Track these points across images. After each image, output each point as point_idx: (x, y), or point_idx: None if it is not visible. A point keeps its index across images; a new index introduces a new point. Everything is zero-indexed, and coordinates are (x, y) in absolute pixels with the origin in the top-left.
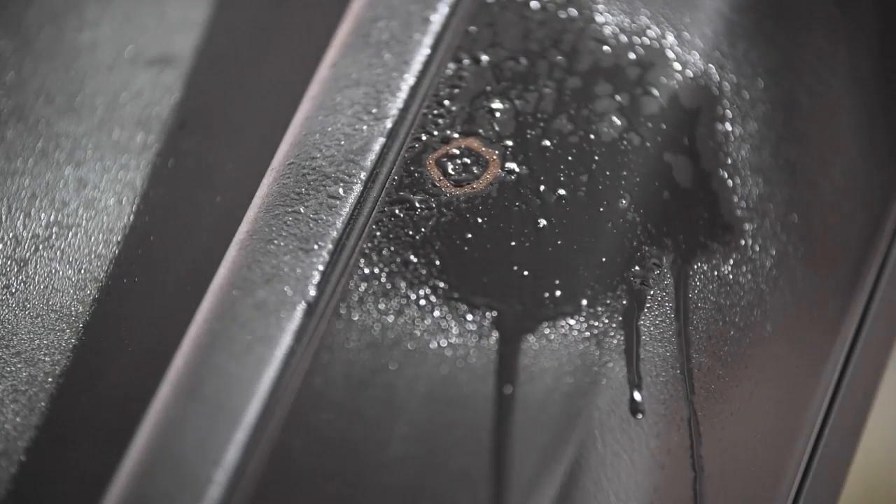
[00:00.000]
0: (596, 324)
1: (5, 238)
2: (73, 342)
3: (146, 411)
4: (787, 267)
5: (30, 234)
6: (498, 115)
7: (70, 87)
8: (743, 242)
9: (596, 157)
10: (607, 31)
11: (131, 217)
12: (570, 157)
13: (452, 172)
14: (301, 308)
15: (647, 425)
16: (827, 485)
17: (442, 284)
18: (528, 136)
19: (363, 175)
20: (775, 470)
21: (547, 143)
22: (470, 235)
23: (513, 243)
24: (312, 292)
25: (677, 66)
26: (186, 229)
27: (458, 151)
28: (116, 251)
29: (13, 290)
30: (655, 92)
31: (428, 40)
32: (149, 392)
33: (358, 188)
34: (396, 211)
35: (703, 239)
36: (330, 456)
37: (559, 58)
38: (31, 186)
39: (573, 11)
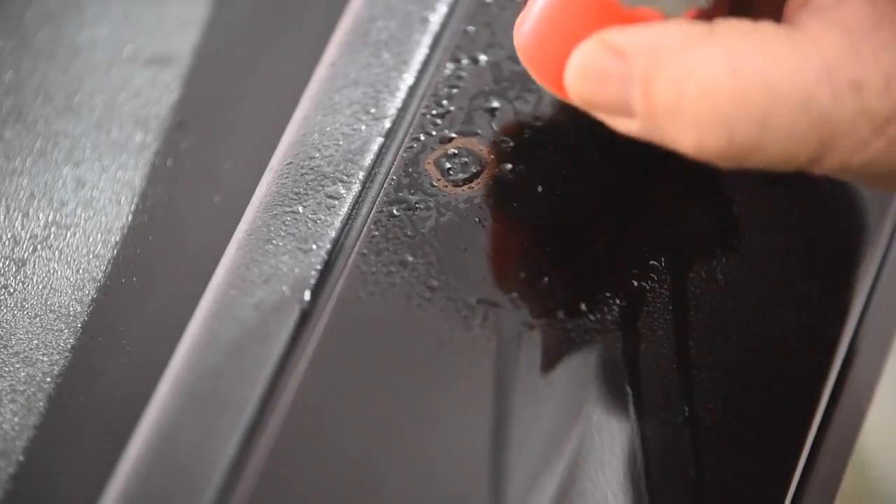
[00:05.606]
0: (596, 324)
1: (3, 238)
2: (72, 342)
3: (145, 411)
4: (787, 267)
5: (28, 234)
6: (497, 114)
7: (68, 87)
8: (743, 242)
9: (595, 157)
10: None
11: (130, 217)
12: (569, 157)
13: (451, 172)
14: (299, 308)
15: (647, 425)
16: (825, 485)
17: (441, 284)
18: (527, 136)
19: (361, 175)
20: (774, 470)
21: (546, 143)
22: (469, 235)
23: (512, 243)
24: (310, 292)
25: None
26: (185, 229)
27: (456, 151)
28: (115, 251)
29: (11, 291)
30: None
31: (426, 40)
32: (147, 392)
33: (356, 188)
34: (395, 211)
35: (702, 239)
36: (329, 455)
37: None
38: (30, 186)
39: None
